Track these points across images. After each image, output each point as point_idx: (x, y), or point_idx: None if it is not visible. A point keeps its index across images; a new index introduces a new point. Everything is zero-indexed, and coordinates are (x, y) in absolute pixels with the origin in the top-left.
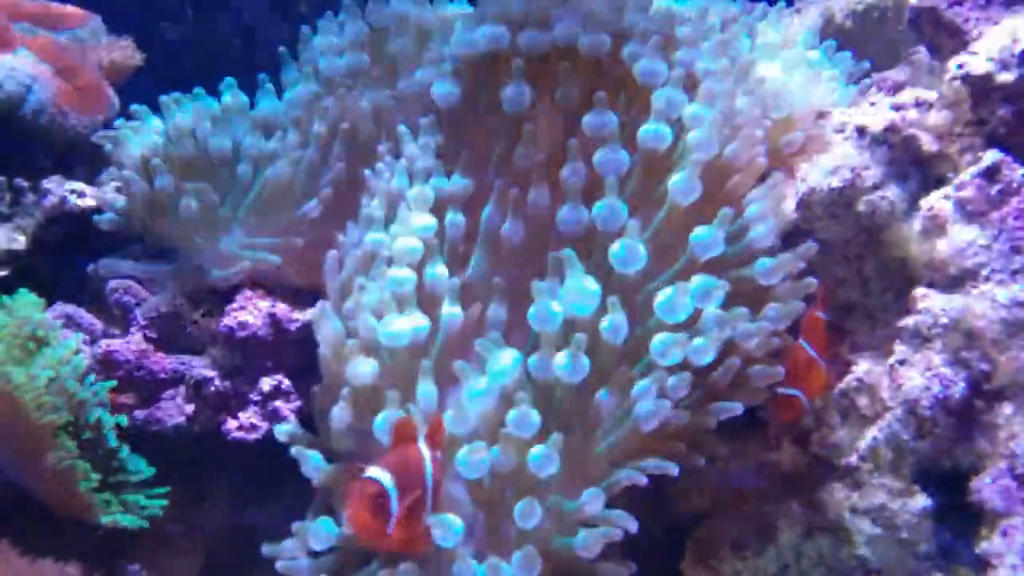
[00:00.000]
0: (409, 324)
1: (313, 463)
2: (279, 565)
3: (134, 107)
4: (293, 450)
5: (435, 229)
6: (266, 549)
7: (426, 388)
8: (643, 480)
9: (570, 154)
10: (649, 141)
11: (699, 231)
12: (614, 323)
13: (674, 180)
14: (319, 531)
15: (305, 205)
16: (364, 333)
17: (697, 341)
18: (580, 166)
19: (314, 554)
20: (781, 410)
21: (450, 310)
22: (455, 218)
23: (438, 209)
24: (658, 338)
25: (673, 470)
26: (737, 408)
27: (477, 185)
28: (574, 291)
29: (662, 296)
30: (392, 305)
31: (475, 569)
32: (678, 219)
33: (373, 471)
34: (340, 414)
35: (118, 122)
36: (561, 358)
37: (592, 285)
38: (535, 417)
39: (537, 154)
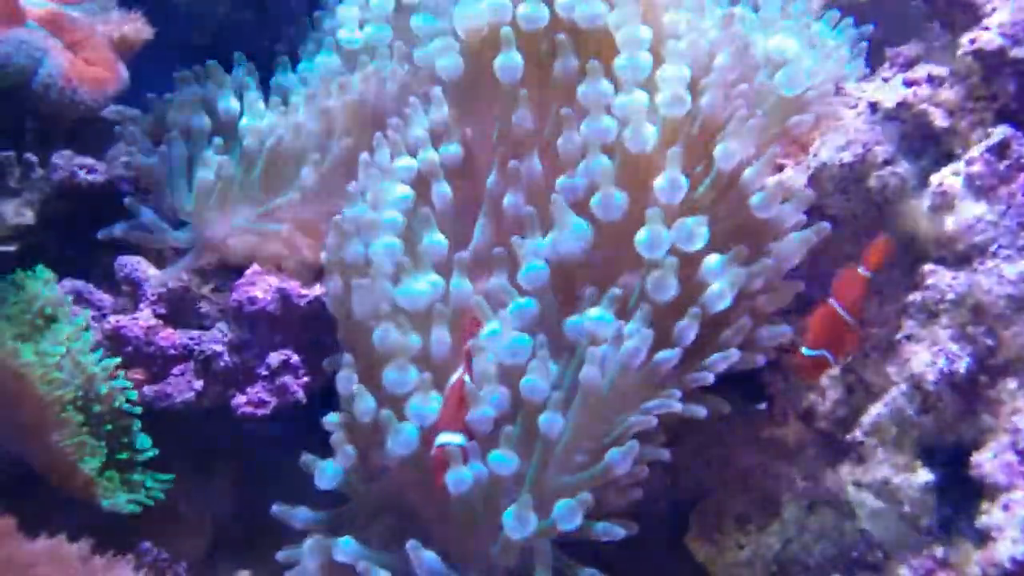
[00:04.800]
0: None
1: (329, 473)
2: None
3: (184, 72)
4: (302, 460)
5: (411, 200)
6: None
7: (440, 334)
8: (653, 422)
9: (565, 124)
10: (623, 110)
11: (658, 180)
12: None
13: (625, 132)
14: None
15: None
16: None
17: (713, 287)
18: (574, 135)
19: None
20: (807, 371)
21: (457, 280)
22: (440, 189)
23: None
24: (654, 274)
25: (676, 407)
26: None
27: (482, 157)
28: (565, 230)
29: (642, 234)
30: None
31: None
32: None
33: (445, 436)
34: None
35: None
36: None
37: (581, 222)
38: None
39: (527, 124)
